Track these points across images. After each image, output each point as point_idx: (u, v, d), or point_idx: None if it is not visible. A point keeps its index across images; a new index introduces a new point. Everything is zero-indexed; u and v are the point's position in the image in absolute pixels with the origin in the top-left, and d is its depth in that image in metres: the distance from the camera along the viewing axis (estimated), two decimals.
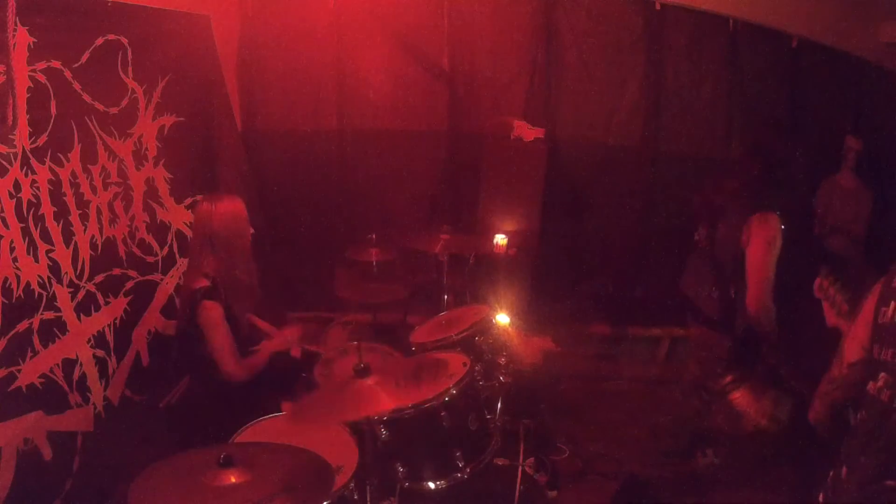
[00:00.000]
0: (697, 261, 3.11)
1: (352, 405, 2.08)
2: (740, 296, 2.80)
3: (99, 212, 2.96)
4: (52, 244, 2.64)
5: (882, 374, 1.59)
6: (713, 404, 2.99)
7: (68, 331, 2.72)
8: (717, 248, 2.95)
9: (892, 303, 1.60)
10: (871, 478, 1.59)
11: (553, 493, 3.33)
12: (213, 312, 2.70)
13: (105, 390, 2.96)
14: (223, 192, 3.48)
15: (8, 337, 2.37)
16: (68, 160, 2.76)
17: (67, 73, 2.73)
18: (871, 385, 1.63)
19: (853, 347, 1.74)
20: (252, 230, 2.95)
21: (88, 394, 2.84)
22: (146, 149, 3.39)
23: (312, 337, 3.49)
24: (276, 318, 3.39)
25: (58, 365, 2.65)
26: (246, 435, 2.43)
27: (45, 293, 2.58)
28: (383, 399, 2.06)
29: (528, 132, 4.49)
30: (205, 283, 2.72)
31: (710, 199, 2.99)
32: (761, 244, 2.69)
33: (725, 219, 2.88)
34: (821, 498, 1.78)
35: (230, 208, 2.81)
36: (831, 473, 1.73)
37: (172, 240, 3.62)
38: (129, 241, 3.21)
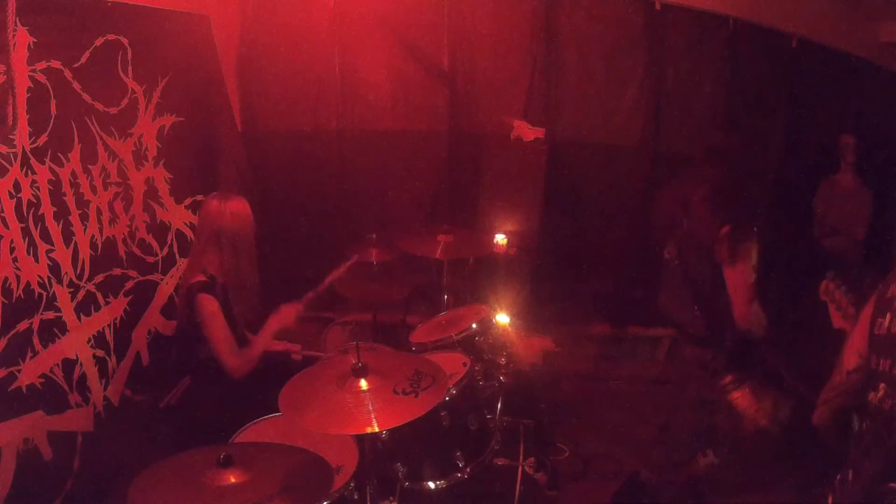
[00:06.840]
0: (671, 279, 2.98)
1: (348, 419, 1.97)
2: (726, 309, 2.72)
3: (99, 212, 2.96)
4: (52, 244, 2.64)
5: (882, 385, 1.61)
6: (713, 405, 2.98)
7: (68, 331, 2.72)
8: (690, 267, 2.84)
9: (888, 314, 1.62)
10: (875, 480, 1.62)
11: (553, 493, 3.33)
12: (208, 305, 2.71)
13: (105, 390, 2.96)
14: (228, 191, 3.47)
15: (8, 337, 2.37)
16: (68, 160, 2.76)
17: (67, 73, 2.73)
18: (871, 395, 1.65)
19: (851, 356, 1.77)
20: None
21: (88, 394, 2.84)
22: (146, 149, 3.38)
23: (312, 337, 3.48)
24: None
25: (58, 365, 2.65)
26: (246, 435, 2.44)
27: (45, 293, 2.58)
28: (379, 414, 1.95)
29: (528, 132, 4.49)
30: (201, 277, 2.75)
31: (674, 214, 2.86)
32: (738, 259, 2.60)
33: (694, 233, 2.75)
34: (829, 500, 1.80)
35: (239, 207, 2.84)
36: (838, 477, 1.76)
37: (172, 240, 3.62)
38: (129, 241, 3.21)
